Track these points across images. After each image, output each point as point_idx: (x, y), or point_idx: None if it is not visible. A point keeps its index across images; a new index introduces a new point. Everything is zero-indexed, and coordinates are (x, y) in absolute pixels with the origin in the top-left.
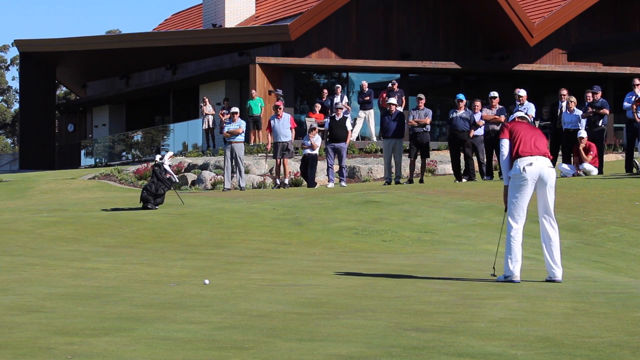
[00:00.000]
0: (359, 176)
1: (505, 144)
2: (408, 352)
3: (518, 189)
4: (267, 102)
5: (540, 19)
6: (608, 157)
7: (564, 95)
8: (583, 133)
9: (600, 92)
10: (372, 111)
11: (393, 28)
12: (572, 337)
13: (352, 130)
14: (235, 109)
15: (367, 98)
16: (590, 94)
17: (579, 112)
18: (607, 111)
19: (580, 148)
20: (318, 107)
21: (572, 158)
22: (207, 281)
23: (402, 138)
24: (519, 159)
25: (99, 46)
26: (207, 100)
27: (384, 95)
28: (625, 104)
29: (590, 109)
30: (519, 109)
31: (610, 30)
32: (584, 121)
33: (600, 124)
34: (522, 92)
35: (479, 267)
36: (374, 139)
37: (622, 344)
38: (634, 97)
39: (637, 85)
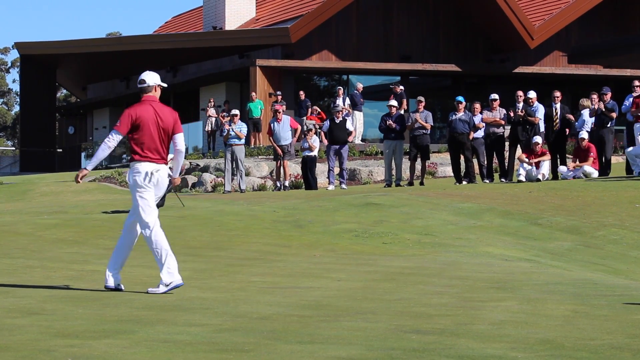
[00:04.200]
0: (359, 178)
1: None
2: (408, 355)
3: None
4: (266, 105)
5: (540, 21)
6: None
7: (558, 97)
8: (584, 134)
9: (610, 93)
10: (361, 113)
11: (393, 30)
12: (573, 339)
13: (355, 128)
14: (236, 111)
15: (362, 100)
16: (595, 96)
17: (584, 115)
18: (615, 115)
19: (583, 146)
20: (317, 109)
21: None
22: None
23: (402, 140)
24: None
25: (99, 49)
26: (213, 101)
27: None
28: (625, 103)
29: (603, 107)
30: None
31: (610, 33)
32: (590, 122)
33: (609, 125)
34: (532, 94)
35: (480, 269)
36: (356, 140)
37: (622, 346)
38: (631, 99)
39: (637, 87)
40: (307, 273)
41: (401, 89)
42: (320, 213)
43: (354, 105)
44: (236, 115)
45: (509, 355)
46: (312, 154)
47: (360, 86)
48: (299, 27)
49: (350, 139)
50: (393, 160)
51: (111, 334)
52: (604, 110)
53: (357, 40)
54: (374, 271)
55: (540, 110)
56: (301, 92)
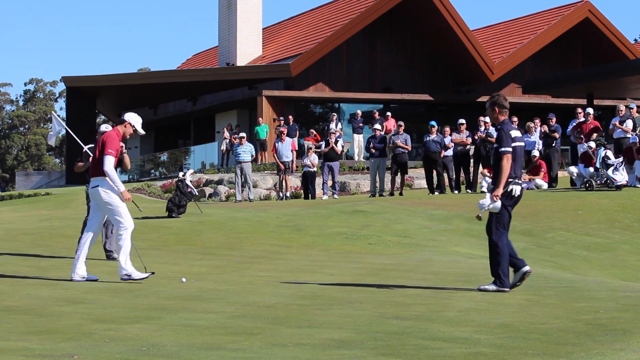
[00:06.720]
0: (349, 190)
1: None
2: (390, 337)
3: None
4: (271, 128)
5: (499, 58)
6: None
7: (515, 122)
8: (535, 152)
9: (555, 119)
10: (361, 136)
11: (377, 66)
12: (526, 323)
13: (342, 146)
14: (243, 134)
15: (361, 125)
16: (538, 120)
17: (535, 136)
18: (557, 135)
19: (535, 162)
20: (313, 132)
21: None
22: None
23: (385, 157)
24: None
25: (131, 81)
26: (231, 126)
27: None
28: (569, 127)
29: (547, 130)
30: (482, 132)
31: (557, 69)
32: (540, 142)
33: (554, 145)
34: (487, 119)
35: (449, 265)
36: (356, 157)
37: (567, 329)
38: (575, 124)
39: (580, 113)
40: (305, 269)
41: (381, 117)
42: (316, 219)
43: (354, 129)
44: (243, 137)
45: (474, 337)
46: (312, 169)
47: (360, 112)
48: (298, 63)
49: (338, 150)
50: (377, 175)
51: (142, 319)
52: (548, 132)
53: (347, 74)
54: (361, 267)
55: (494, 133)
56: (290, 117)
